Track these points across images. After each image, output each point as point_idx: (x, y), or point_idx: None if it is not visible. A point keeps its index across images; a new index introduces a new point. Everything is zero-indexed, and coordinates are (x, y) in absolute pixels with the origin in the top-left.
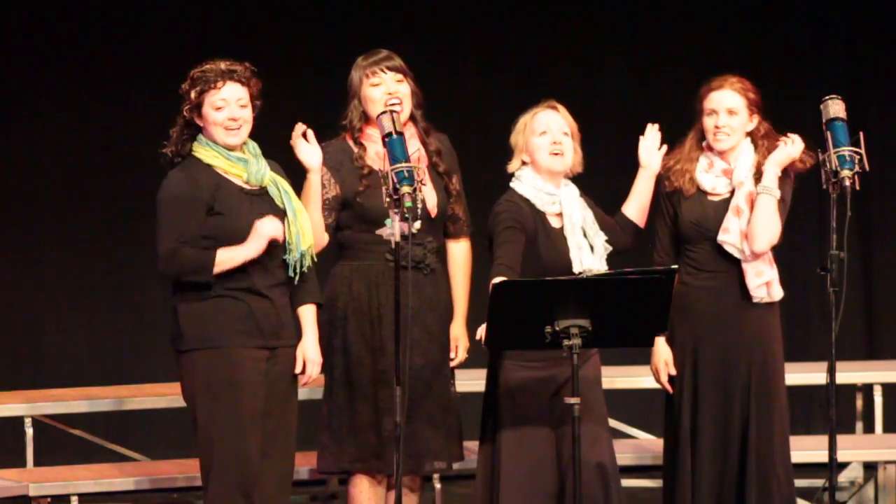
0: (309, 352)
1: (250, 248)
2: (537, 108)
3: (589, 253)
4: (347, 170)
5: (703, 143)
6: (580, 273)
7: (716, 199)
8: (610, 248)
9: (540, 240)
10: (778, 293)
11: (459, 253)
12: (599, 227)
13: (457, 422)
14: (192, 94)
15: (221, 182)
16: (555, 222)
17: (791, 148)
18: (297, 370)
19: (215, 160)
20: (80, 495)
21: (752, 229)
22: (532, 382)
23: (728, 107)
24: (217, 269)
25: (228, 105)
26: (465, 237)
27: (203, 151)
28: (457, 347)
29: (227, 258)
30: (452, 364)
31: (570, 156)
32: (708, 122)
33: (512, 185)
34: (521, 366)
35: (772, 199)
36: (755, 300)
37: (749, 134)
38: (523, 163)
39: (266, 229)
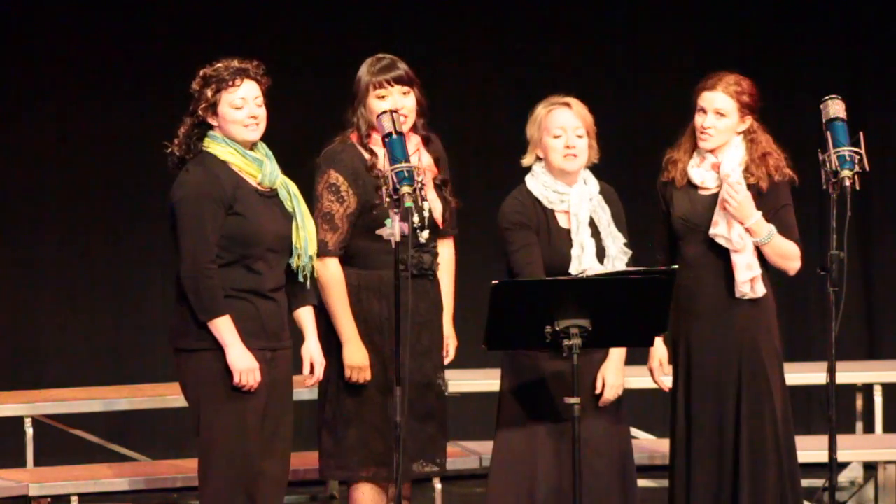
0: (315, 353)
1: (237, 353)
2: (552, 104)
3: (592, 255)
4: (364, 178)
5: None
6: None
7: (705, 193)
8: (630, 252)
9: (542, 239)
10: (760, 290)
11: (446, 253)
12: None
13: (447, 423)
14: (209, 93)
15: (239, 181)
16: (563, 221)
17: (733, 199)
18: (306, 371)
19: (231, 156)
20: (80, 495)
21: (779, 265)
22: (543, 376)
23: (717, 108)
24: (212, 324)
25: (247, 103)
26: (451, 237)
27: (218, 147)
28: (447, 346)
29: (222, 329)
30: (445, 363)
31: (585, 156)
32: (697, 120)
33: (526, 179)
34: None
35: (774, 238)
36: (737, 295)
37: (741, 133)
38: (538, 157)
39: (251, 372)
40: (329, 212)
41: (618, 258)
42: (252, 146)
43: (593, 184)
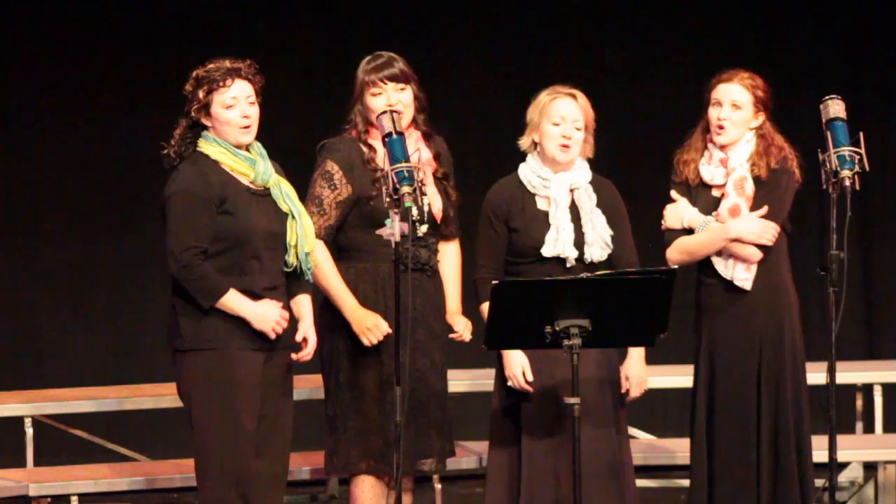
0: (309, 333)
1: (253, 315)
2: (558, 93)
3: (569, 240)
4: (360, 170)
5: (707, 135)
6: (571, 266)
7: (717, 193)
8: (612, 248)
9: (517, 222)
10: (731, 272)
11: (452, 252)
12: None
13: (449, 421)
14: (200, 94)
15: (230, 180)
16: (542, 204)
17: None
18: (300, 346)
19: (222, 156)
20: (80, 495)
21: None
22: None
23: (733, 100)
24: (219, 305)
25: (239, 103)
26: (456, 238)
27: (210, 147)
28: (463, 327)
29: (232, 304)
30: (460, 337)
31: (578, 149)
32: (712, 113)
33: (520, 165)
34: None
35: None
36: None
37: (753, 129)
38: (534, 142)
39: (273, 318)
40: (319, 196)
41: (596, 246)
42: (246, 146)
43: (583, 174)
